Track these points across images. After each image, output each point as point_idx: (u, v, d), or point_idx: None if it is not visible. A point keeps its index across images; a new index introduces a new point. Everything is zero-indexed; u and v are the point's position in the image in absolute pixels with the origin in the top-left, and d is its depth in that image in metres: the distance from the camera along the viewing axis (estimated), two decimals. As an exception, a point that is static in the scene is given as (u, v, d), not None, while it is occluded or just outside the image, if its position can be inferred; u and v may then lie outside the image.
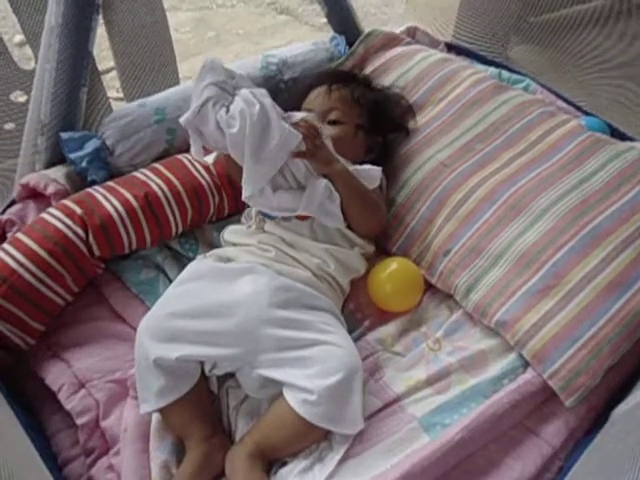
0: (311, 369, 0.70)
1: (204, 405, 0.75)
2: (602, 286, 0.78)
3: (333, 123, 0.95)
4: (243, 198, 0.83)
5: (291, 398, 0.70)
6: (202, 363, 0.75)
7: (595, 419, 0.76)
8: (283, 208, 0.83)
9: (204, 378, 0.75)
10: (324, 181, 0.84)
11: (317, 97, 0.98)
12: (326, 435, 0.72)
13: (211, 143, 0.82)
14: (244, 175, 0.80)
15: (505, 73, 1.22)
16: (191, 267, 0.83)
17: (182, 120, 0.80)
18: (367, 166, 0.91)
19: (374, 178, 0.90)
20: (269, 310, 0.74)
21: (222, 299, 0.76)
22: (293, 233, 0.84)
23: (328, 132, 0.93)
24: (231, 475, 0.69)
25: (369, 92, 1.03)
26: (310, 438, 0.71)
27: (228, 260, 0.82)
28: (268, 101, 0.80)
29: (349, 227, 0.89)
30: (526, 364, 0.79)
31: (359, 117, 0.97)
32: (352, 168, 0.88)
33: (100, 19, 1.01)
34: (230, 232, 0.89)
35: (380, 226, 0.92)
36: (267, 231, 0.85)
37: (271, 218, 0.86)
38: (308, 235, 0.85)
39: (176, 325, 0.74)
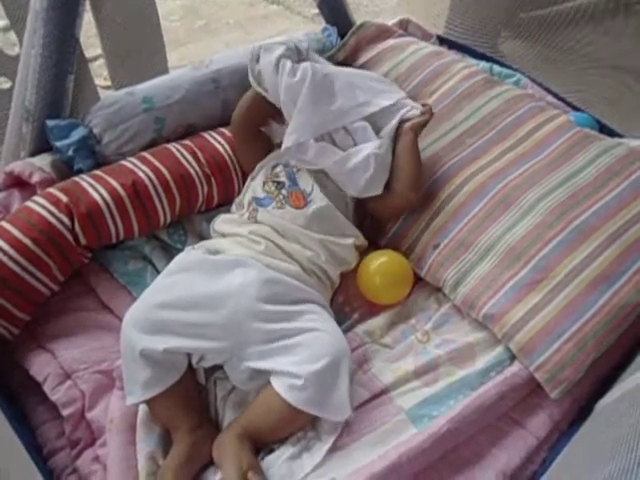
0: (298, 355, 0.70)
1: (191, 396, 0.74)
2: (588, 280, 0.79)
3: None
4: (283, 149, 0.85)
5: (278, 384, 0.69)
6: (189, 355, 0.74)
7: (579, 411, 0.77)
8: (317, 160, 0.86)
9: (191, 369, 0.75)
10: (371, 151, 0.86)
11: None
12: (314, 424, 0.72)
13: (255, 78, 0.89)
14: (291, 126, 0.85)
15: (496, 67, 1.22)
16: (179, 259, 0.82)
17: (252, 46, 0.90)
18: None
19: None
20: (257, 304, 0.74)
21: (210, 291, 0.75)
22: (287, 222, 0.83)
23: None
24: (220, 458, 0.68)
25: None
26: (297, 424, 0.71)
27: (216, 252, 0.81)
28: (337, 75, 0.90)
29: (355, 211, 0.90)
30: (513, 357, 0.80)
31: None
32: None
33: (87, 4, 0.99)
34: (221, 222, 0.88)
35: (413, 202, 0.91)
36: (260, 221, 0.84)
37: (264, 207, 0.85)
38: (302, 224, 0.84)
39: (163, 316, 0.73)
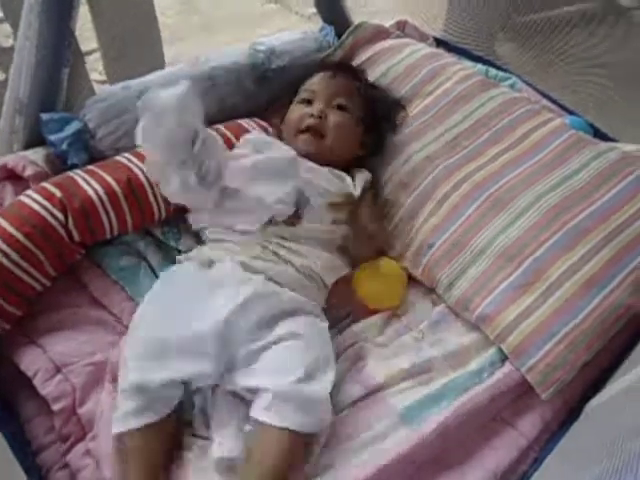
0: (270, 369, 0.69)
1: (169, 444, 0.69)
2: (580, 283, 0.79)
3: (339, 108, 0.95)
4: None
5: (255, 413, 0.67)
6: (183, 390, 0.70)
7: (569, 412, 0.77)
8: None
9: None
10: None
11: (322, 79, 0.98)
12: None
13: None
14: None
15: (492, 70, 1.22)
16: (169, 277, 0.80)
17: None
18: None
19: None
20: (245, 331, 0.72)
21: (199, 312, 0.72)
22: (279, 239, 0.82)
23: (334, 117, 0.93)
24: None
25: (371, 87, 1.03)
26: (294, 449, 0.66)
27: (211, 263, 0.79)
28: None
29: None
30: (505, 358, 0.80)
31: (360, 109, 0.97)
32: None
33: (83, -3, 0.99)
34: (212, 231, 0.86)
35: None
36: (253, 236, 0.82)
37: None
38: (296, 240, 0.83)
39: (160, 340, 0.70)
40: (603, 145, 0.96)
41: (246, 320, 0.72)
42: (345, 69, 1.03)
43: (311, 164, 0.90)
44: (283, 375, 0.67)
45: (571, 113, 1.15)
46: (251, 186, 0.83)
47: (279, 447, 0.65)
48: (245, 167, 0.85)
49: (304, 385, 0.67)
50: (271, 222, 0.83)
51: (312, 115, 0.93)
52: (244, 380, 0.70)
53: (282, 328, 0.73)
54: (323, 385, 0.69)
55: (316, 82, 0.98)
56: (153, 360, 0.69)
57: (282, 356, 0.70)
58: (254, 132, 0.98)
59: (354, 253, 0.90)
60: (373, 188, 0.97)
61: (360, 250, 0.90)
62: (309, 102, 0.96)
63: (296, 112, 0.96)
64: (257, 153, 0.88)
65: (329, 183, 0.89)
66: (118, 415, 0.68)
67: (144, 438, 0.67)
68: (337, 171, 0.92)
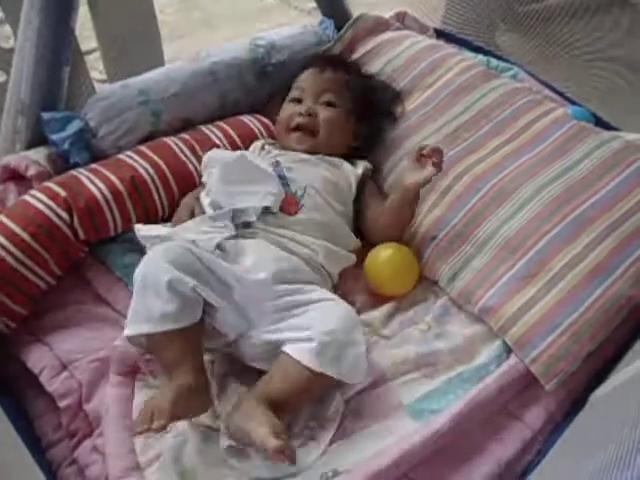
0: (309, 322, 0.70)
1: (198, 346, 0.72)
2: (583, 273, 0.79)
3: (327, 105, 0.95)
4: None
5: (291, 350, 0.69)
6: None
7: (573, 403, 0.77)
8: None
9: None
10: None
11: (310, 76, 0.98)
12: (313, 414, 0.71)
13: None
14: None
15: (493, 61, 1.22)
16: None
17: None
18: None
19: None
20: (269, 288, 0.74)
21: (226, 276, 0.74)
22: (281, 229, 0.82)
23: (323, 114, 0.93)
24: (245, 422, 0.64)
25: (360, 79, 1.03)
26: (315, 389, 0.70)
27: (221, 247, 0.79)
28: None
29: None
30: (510, 350, 0.80)
31: (350, 102, 0.97)
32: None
33: (82, -4, 0.99)
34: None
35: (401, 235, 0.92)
36: (254, 226, 0.83)
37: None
38: (298, 230, 0.83)
39: (196, 262, 0.71)
40: (606, 134, 0.96)
41: (271, 278, 0.74)
42: (333, 62, 1.03)
43: (302, 155, 0.92)
44: (324, 326, 0.69)
45: (573, 103, 1.14)
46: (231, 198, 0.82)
47: (298, 381, 0.67)
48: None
49: (346, 335, 0.69)
50: (269, 212, 0.83)
51: (301, 114, 0.94)
52: (276, 334, 0.71)
53: (307, 294, 0.74)
54: (360, 340, 0.71)
55: (304, 79, 0.99)
56: (186, 273, 0.69)
57: (319, 313, 0.71)
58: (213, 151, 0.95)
59: (370, 240, 0.91)
60: (375, 181, 0.97)
61: (374, 237, 0.91)
62: (299, 100, 0.97)
63: (287, 111, 0.97)
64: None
65: (320, 170, 0.90)
66: (149, 316, 0.67)
67: (182, 335, 0.68)
68: (329, 157, 0.93)
